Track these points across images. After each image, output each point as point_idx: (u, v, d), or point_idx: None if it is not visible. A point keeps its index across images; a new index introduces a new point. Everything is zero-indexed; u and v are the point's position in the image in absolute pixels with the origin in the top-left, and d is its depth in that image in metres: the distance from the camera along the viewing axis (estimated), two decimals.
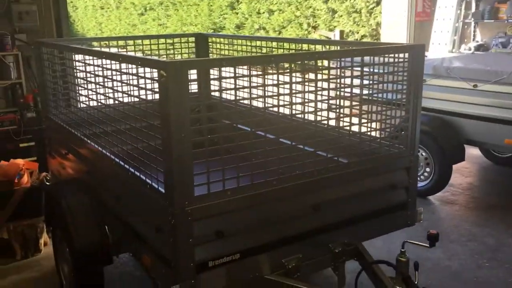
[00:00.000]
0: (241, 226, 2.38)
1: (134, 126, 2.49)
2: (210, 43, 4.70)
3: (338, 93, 2.95)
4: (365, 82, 2.90)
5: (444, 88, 4.95)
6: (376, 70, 2.85)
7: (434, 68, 5.03)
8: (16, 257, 4.03)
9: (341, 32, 9.50)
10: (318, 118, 2.87)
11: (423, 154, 5.06)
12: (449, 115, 4.94)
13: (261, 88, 2.54)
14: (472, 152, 6.18)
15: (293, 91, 2.53)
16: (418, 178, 5.09)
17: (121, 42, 4.30)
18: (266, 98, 2.60)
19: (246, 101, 3.47)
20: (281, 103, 2.56)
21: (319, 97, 2.78)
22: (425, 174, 5.09)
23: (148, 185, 2.38)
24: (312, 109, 2.91)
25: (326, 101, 2.75)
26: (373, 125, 2.95)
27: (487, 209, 4.97)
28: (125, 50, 4.63)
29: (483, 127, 4.73)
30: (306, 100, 2.72)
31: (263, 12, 14.38)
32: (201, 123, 2.30)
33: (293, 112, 2.80)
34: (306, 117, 2.88)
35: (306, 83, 2.76)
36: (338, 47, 3.90)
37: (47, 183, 4.17)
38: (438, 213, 4.95)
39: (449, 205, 5.08)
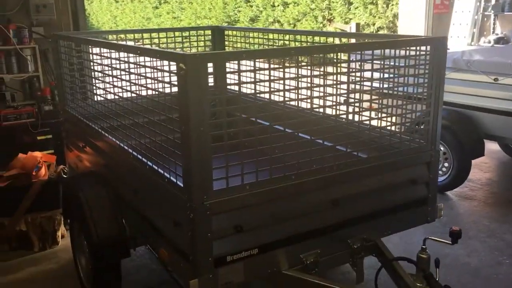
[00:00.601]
0: (259, 221, 2.35)
1: (152, 120, 2.48)
2: (226, 36, 4.67)
3: (356, 86, 2.90)
4: (386, 75, 2.85)
5: (464, 82, 4.86)
6: (396, 63, 2.80)
7: (454, 62, 4.94)
8: (34, 249, 4.07)
9: (357, 24, 9.41)
10: (337, 112, 2.83)
11: (442, 148, 4.98)
12: (469, 109, 4.85)
13: (279, 81, 2.51)
14: (491, 147, 6.08)
15: (312, 85, 2.49)
16: None
17: (136, 35, 4.29)
18: (285, 92, 2.57)
19: (264, 95, 3.44)
20: (300, 97, 2.53)
21: (338, 91, 2.74)
22: (443, 169, 5.02)
23: (166, 179, 2.36)
24: (331, 103, 2.88)
25: (346, 95, 2.71)
26: (393, 119, 2.90)
27: (506, 205, 4.88)
28: (140, 43, 4.63)
29: (504, 121, 4.63)
30: (325, 94, 2.68)
31: (278, 5, 14.30)
32: (217, 117, 2.28)
33: (312, 106, 2.77)
34: (325, 111, 2.84)
35: (325, 77, 2.72)
36: (354, 40, 3.85)
37: (65, 176, 4.20)
38: (456, 208, 4.88)
39: (468, 200, 5.01)
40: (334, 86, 2.71)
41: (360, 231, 2.70)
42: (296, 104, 2.71)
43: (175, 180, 2.30)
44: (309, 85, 2.68)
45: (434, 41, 2.75)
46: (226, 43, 4.68)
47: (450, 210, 4.78)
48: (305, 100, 2.79)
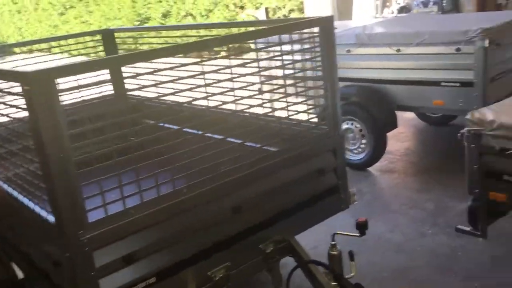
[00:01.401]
0: (152, 246, 2.09)
1: (11, 150, 2.15)
2: (117, 39, 4.33)
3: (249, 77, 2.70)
4: (278, 63, 2.68)
5: (368, 56, 4.82)
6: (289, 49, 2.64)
7: (357, 37, 4.88)
8: None
9: (266, 9, 9.26)
10: (229, 107, 2.63)
11: (357, 126, 4.94)
12: (376, 83, 4.82)
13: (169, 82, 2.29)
14: (407, 115, 6.15)
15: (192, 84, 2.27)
16: (356, 151, 5.00)
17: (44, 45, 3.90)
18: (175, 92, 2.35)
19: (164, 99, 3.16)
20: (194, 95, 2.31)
21: (235, 85, 2.53)
22: (362, 146, 4.98)
23: (38, 215, 2.06)
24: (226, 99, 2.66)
25: (234, 89, 2.50)
26: (294, 108, 2.74)
27: (425, 173, 4.93)
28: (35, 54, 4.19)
29: (410, 91, 4.65)
30: (216, 90, 2.46)
31: None
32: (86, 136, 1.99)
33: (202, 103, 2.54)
34: (213, 107, 2.62)
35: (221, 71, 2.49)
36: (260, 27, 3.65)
37: None
38: (378, 183, 4.87)
39: (388, 173, 5.01)
40: (217, 81, 2.47)
41: (270, 234, 2.51)
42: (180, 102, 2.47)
43: (45, 216, 2.00)
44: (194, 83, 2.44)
45: (321, 21, 2.60)
46: (121, 46, 4.34)
47: (372, 186, 4.75)
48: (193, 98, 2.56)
